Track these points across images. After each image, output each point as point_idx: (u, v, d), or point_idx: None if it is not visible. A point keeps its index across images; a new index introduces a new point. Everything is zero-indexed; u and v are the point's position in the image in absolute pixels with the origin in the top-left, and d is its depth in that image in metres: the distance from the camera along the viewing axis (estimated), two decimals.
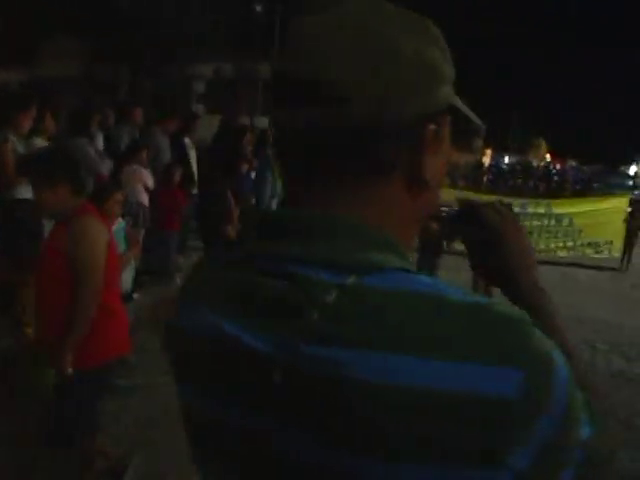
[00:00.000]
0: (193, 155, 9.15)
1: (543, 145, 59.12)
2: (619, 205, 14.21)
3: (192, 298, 0.94)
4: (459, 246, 5.79)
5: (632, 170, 44.96)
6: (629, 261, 14.21)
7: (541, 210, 14.17)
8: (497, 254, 1.09)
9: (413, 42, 0.84)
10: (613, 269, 14.05)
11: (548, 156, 52.63)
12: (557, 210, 14.21)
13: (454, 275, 11.36)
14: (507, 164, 40.87)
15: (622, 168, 43.79)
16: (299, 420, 0.77)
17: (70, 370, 3.43)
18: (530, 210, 14.08)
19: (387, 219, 0.87)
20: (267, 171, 11.29)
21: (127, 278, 5.53)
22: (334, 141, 0.83)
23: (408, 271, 0.81)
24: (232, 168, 9.60)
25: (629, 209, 14.11)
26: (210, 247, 6.54)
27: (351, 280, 0.78)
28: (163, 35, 14.86)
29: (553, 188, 33.78)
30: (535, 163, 50.01)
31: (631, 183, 26.74)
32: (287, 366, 0.77)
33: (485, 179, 32.48)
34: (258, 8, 15.39)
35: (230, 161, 9.76)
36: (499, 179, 32.22)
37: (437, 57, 0.87)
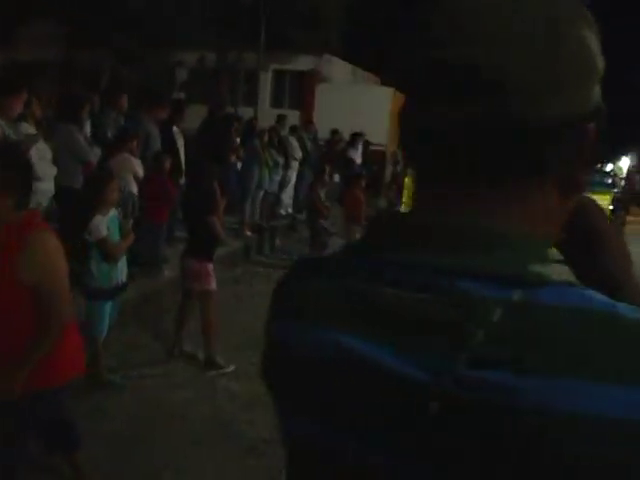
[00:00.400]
0: (181, 144, 8.98)
1: None
2: (601, 203, 14.24)
3: (299, 312, 0.82)
4: None
5: (608, 168, 45.55)
6: None
7: None
8: (599, 257, 0.99)
9: (578, 31, 0.75)
10: None
11: None
12: None
13: None
14: None
15: (599, 166, 44.14)
16: (461, 455, 0.67)
17: (17, 391, 2.99)
18: None
19: (539, 225, 0.78)
20: (254, 162, 11.17)
21: (122, 268, 5.42)
22: (493, 139, 0.73)
23: (575, 285, 0.71)
24: (219, 158, 9.46)
25: (611, 207, 14.23)
26: (195, 238, 6.42)
27: (517, 296, 0.68)
28: (146, 22, 14.60)
29: None
30: None
31: (610, 181, 26.90)
32: (445, 393, 0.67)
33: None
34: None
35: (217, 151, 9.63)
36: None
37: (597, 48, 0.78)
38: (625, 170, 43.25)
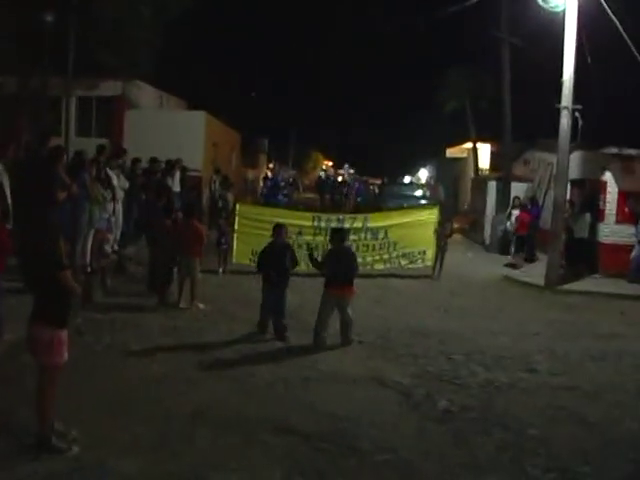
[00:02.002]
0: (7, 184, 7.76)
1: (320, 157, 61.77)
2: (429, 217, 14.87)
3: None
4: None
5: (406, 180, 48.40)
6: (441, 269, 14.92)
7: (358, 225, 14.35)
8: None
9: None
10: (427, 277, 14.65)
11: (328, 166, 54.98)
12: (373, 224, 14.48)
13: (300, 296, 11.05)
14: (286, 177, 41.61)
15: (399, 179, 47.08)
16: None
17: None
18: (347, 225, 14.15)
19: None
20: (84, 199, 10.07)
21: None
22: None
23: None
24: (49, 198, 8.37)
25: (438, 220, 14.79)
26: (43, 301, 5.32)
27: None
28: None
29: (337, 200, 35.12)
30: (313, 174, 52.50)
31: (419, 193, 28.40)
32: None
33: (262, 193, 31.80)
34: (49, 18, 13.77)
35: (46, 189, 8.49)
36: (274, 192, 31.86)
37: None
38: (424, 180, 46.14)
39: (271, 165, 42.82)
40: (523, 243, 17.78)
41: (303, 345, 8.79)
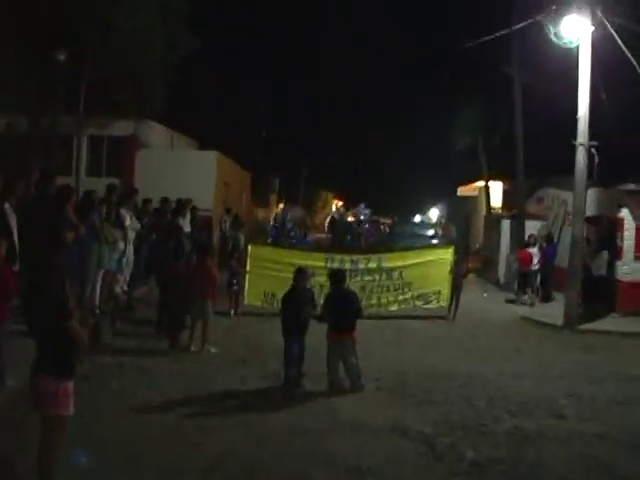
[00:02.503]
0: (14, 223, 7.55)
1: (329, 197, 61.71)
2: (445, 256, 14.59)
3: None
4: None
5: (417, 219, 48.14)
6: (456, 309, 14.57)
7: (373, 265, 14.10)
8: None
9: None
10: (442, 317, 14.30)
11: (338, 205, 54.83)
12: (388, 265, 14.22)
13: (314, 339, 10.60)
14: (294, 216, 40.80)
15: (409, 218, 46.79)
16: None
17: None
18: (362, 266, 13.95)
19: None
20: (93, 240, 9.84)
21: None
22: None
23: None
24: (57, 240, 8.14)
25: (453, 260, 14.50)
26: (48, 350, 5.00)
27: None
28: None
29: (348, 241, 34.76)
30: (322, 213, 52.37)
31: (431, 232, 28.13)
32: None
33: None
34: (61, 57, 13.75)
35: (54, 231, 8.29)
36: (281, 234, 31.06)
37: None
38: (435, 219, 45.91)
39: (281, 205, 42.58)
40: (526, 281, 17.61)
41: (318, 391, 8.44)
